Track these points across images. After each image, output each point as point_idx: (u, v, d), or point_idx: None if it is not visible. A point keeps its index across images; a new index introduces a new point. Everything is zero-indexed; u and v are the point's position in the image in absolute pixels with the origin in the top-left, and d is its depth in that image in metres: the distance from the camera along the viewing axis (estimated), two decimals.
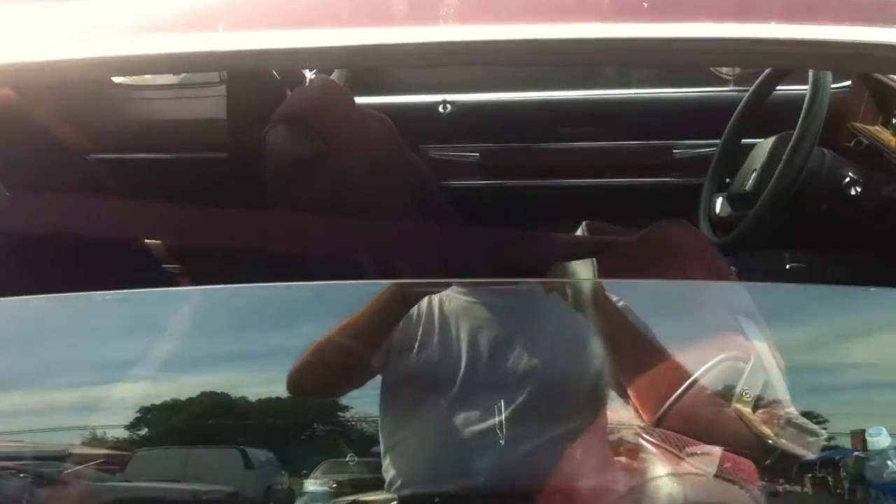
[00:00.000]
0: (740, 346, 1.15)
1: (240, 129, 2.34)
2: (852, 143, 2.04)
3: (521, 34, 0.86)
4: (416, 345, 1.36)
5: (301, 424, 1.35)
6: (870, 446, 1.47)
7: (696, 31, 0.87)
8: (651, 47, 0.88)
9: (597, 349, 1.33)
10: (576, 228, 2.58)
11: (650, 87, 2.59)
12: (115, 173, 2.38)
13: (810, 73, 1.96)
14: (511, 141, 2.56)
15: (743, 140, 2.30)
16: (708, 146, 2.52)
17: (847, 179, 2.04)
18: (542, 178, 2.57)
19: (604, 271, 1.54)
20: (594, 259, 1.62)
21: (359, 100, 2.20)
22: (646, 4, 0.86)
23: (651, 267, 1.46)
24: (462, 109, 2.51)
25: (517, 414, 1.25)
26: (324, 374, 1.29)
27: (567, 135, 2.52)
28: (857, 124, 2.40)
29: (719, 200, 2.25)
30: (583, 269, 1.62)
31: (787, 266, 2.54)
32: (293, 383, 1.24)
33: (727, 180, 2.33)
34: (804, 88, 2.59)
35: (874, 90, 2.38)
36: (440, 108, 2.51)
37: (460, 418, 1.29)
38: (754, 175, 2.08)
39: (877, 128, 2.39)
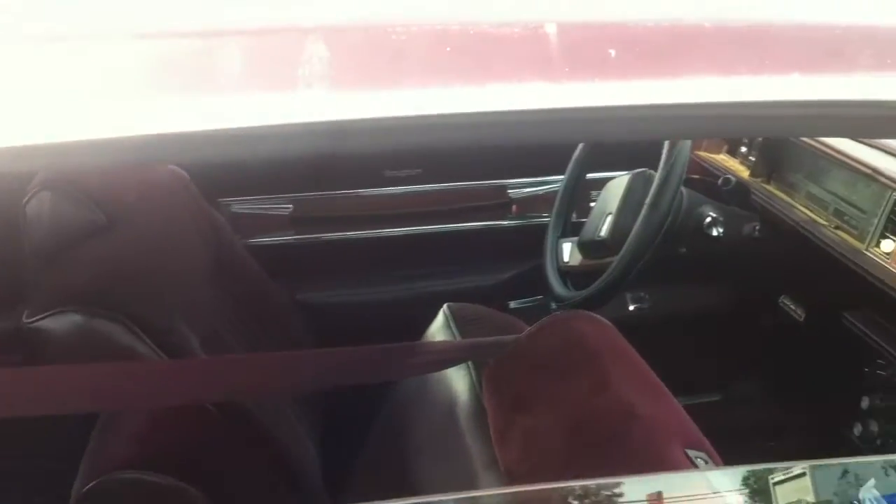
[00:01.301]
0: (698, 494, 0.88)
1: None
2: (719, 181, 1.85)
3: None
4: None
5: None
6: None
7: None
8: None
9: None
10: (406, 281, 2.31)
11: None
12: None
13: None
14: (328, 188, 2.22)
15: (588, 175, 2.09)
16: (546, 183, 2.29)
17: (708, 220, 1.85)
18: (365, 229, 2.24)
19: (487, 378, 1.25)
20: (470, 364, 1.32)
21: None
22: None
23: (552, 372, 1.18)
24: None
25: None
26: None
27: (392, 178, 2.21)
28: (702, 153, 2.25)
29: (567, 247, 2.02)
30: (458, 380, 1.31)
31: (630, 308, 2.37)
32: None
33: (573, 219, 2.11)
34: None
35: None
36: None
37: None
38: (609, 220, 1.86)
39: (722, 156, 2.25)
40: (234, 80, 0.56)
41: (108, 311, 1.33)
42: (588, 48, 0.58)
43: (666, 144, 1.73)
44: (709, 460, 1.02)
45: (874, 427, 1.66)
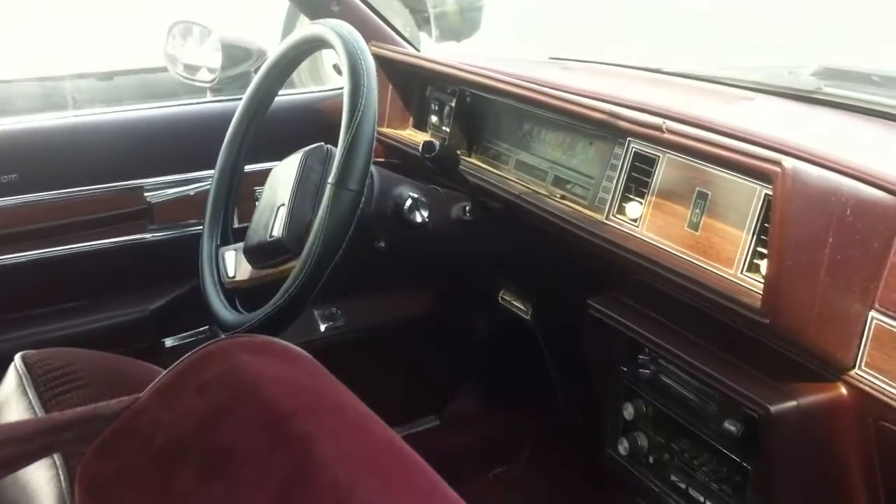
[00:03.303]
0: None
1: None
2: (420, 147, 1.42)
3: None
4: None
5: None
6: None
7: None
8: None
9: None
10: (13, 328, 1.68)
11: (97, 107, 1.78)
12: None
13: (344, 57, 1.32)
14: None
15: (246, 167, 1.60)
16: (193, 181, 1.77)
17: (409, 202, 1.44)
18: None
19: (81, 480, 0.70)
20: (57, 458, 0.76)
21: None
22: None
23: (206, 456, 0.66)
24: None
25: None
26: None
27: None
28: (385, 130, 1.84)
29: (230, 257, 1.51)
30: (40, 487, 0.75)
31: (322, 328, 1.91)
32: None
33: (236, 224, 1.61)
34: (315, 91, 2.00)
35: (399, 88, 1.85)
36: None
37: None
38: (283, 213, 1.39)
39: (408, 132, 1.86)
40: None
41: None
42: None
43: (346, 107, 1.29)
44: None
45: (642, 441, 1.33)
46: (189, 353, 0.79)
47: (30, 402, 0.91)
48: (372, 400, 1.64)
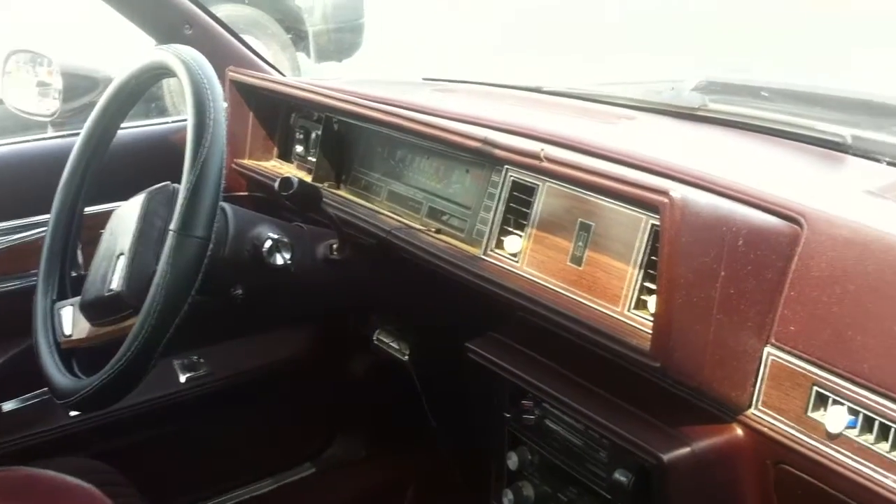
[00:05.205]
0: None
1: None
2: (276, 184, 1.28)
3: None
4: None
5: None
6: None
7: None
8: None
9: None
10: None
11: None
12: None
13: (188, 85, 1.18)
14: None
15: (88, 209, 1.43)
16: (31, 227, 1.59)
17: (268, 243, 1.30)
18: None
19: None
20: None
21: None
22: None
23: None
24: None
25: None
26: None
27: None
28: (246, 162, 1.71)
29: (67, 312, 1.34)
30: None
31: (183, 379, 1.75)
32: None
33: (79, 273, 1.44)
34: (165, 122, 1.85)
35: (261, 115, 1.72)
36: None
37: None
38: (123, 263, 1.23)
39: (273, 163, 1.73)
40: None
41: None
42: None
43: (190, 145, 1.15)
44: None
45: (528, 491, 1.22)
46: None
47: None
48: (242, 451, 1.49)
